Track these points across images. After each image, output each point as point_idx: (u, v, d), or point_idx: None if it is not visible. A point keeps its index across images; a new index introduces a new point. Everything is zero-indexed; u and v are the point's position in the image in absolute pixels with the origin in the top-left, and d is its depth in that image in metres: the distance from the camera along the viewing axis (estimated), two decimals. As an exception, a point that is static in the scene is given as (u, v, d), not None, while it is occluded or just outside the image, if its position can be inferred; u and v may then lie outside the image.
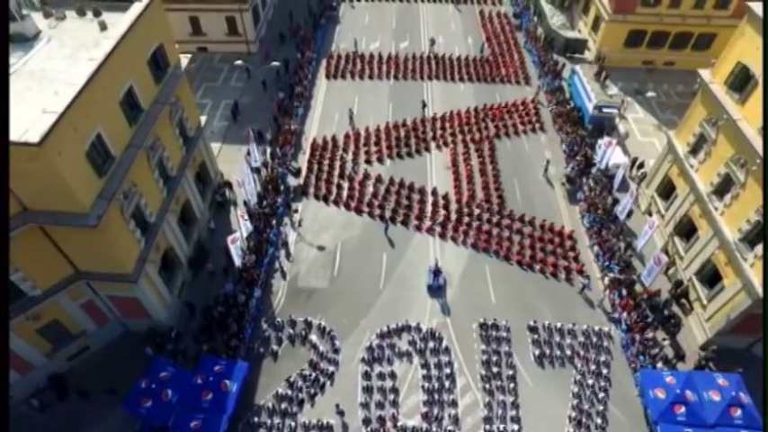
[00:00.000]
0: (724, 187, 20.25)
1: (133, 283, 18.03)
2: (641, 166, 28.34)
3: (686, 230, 23.00)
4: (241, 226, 22.01)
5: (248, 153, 25.48)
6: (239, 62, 26.50)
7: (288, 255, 24.19)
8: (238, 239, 20.74)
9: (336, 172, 27.60)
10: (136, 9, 18.11)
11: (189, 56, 21.62)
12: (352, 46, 37.15)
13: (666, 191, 24.80)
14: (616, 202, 26.11)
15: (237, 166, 28.11)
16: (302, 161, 28.51)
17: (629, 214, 24.46)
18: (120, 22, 17.61)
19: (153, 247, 19.13)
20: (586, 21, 38.04)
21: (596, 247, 24.41)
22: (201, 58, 36.31)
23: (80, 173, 15.21)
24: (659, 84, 35.14)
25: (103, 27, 17.93)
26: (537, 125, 31.02)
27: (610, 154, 25.95)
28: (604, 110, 29.26)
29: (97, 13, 18.74)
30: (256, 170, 26.47)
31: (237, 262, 21.28)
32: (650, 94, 29.14)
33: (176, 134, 21.15)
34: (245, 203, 24.58)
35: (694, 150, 22.46)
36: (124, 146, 17.34)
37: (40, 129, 13.47)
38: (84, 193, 15.31)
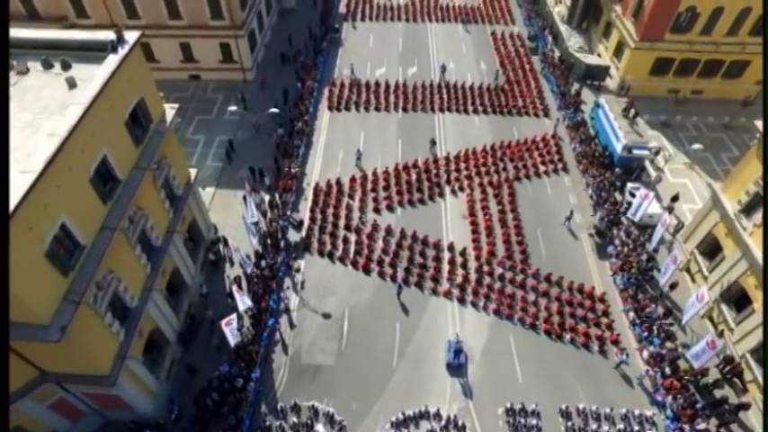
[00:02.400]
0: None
1: (110, 386, 15.58)
2: (671, 210, 25.86)
3: (737, 299, 20.62)
4: (237, 301, 19.52)
5: (243, 219, 22.48)
6: (233, 108, 23.53)
7: (290, 323, 21.71)
8: (234, 321, 18.26)
9: (342, 222, 25.02)
10: (111, 62, 15.45)
11: (175, 107, 18.92)
12: (355, 72, 34.48)
13: (710, 249, 22.35)
14: (651, 258, 23.88)
15: (233, 215, 25.67)
16: (304, 209, 25.88)
17: (674, 287, 22.08)
18: (92, 78, 14.94)
19: (135, 337, 16.58)
20: (607, 45, 35.56)
21: (632, 313, 22.00)
22: (194, 86, 33.62)
23: (38, 277, 12.53)
24: (687, 115, 32.77)
25: (72, 85, 15.22)
26: (559, 165, 28.54)
27: (646, 207, 23.62)
28: (635, 151, 26.82)
29: (66, 66, 16.00)
30: (254, 223, 24.08)
31: (233, 343, 18.80)
32: (696, 146, 25.84)
33: (162, 197, 18.50)
34: (241, 265, 21.82)
35: (748, 210, 19.98)
36: (96, 229, 14.69)
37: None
38: (41, 301, 12.62)
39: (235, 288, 19.55)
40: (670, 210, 25.46)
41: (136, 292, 16.81)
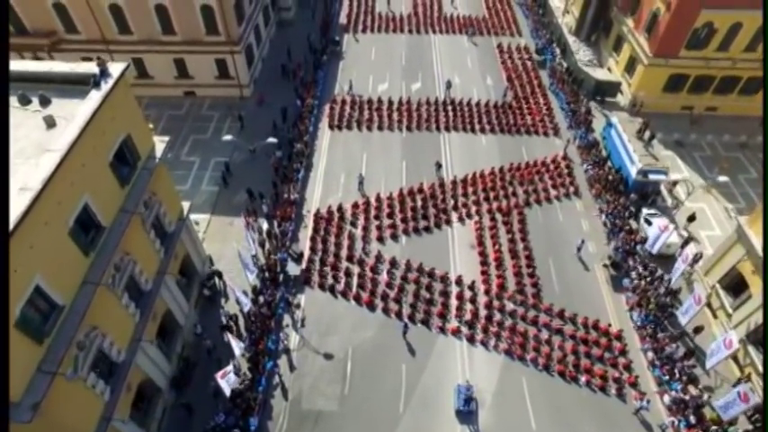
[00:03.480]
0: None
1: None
2: (689, 240, 24.67)
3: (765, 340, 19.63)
4: (234, 346, 18.32)
5: (240, 255, 20.92)
6: (228, 137, 22.14)
7: (290, 365, 20.41)
8: (230, 371, 17.04)
9: (344, 253, 23.75)
10: (94, 99, 14.17)
11: (166, 139, 17.64)
12: (357, 87, 33.09)
13: (735, 285, 21.12)
14: (670, 292, 22.69)
15: (229, 244, 24.37)
16: (304, 238, 24.55)
17: (698, 330, 20.79)
18: (73, 115, 13.70)
19: (122, 393, 15.38)
20: (618, 59, 34.28)
21: (650, 353, 20.86)
22: (189, 103, 32.33)
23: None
24: (702, 134, 31.51)
25: (51, 124, 13.90)
26: (571, 189, 27.20)
27: (665, 240, 22.48)
28: (651, 176, 25.57)
29: (45, 102, 14.68)
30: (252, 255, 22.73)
31: (228, 392, 17.58)
32: (722, 179, 24.41)
33: (151, 238, 17.24)
34: (238, 302, 20.45)
35: (777, 248, 19.01)
36: (77, 285, 13.39)
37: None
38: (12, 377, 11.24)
39: (230, 337, 18.36)
40: (687, 241, 24.26)
41: (123, 344, 15.53)
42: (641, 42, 31.13)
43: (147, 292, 17.07)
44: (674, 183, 26.63)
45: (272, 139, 22.14)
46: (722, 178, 24.22)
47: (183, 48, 29.91)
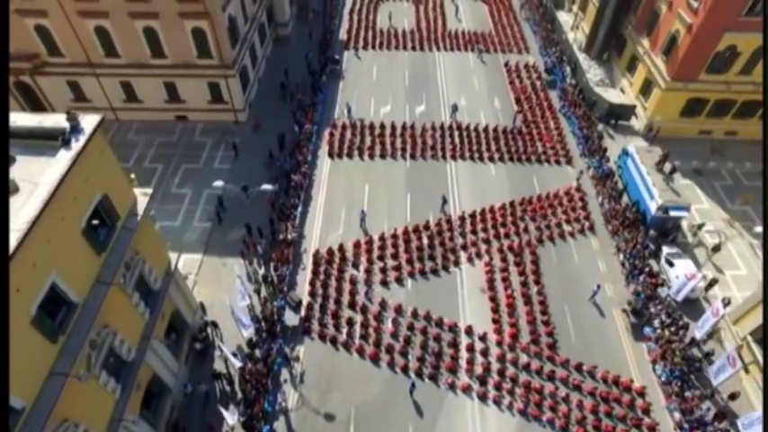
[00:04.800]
0: None
1: None
2: (712, 284, 22.93)
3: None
4: (226, 417, 16.76)
5: (232, 311, 19.36)
6: (219, 183, 20.56)
7: (288, 428, 18.63)
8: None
9: (346, 299, 22.16)
10: (63, 160, 12.39)
11: (149, 192, 15.94)
12: (358, 111, 31.38)
13: None
14: (693, 341, 21.19)
15: (223, 287, 22.77)
16: (302, 281, 22.86)
17: (734, 397, 19.03)
18: (40, 178, 12.04)
19: (98, 481, 13.94)
20: (632, 81, 32.62)
21: (678, 414, 19.41)
22: (180, 128, 30.60)
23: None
24: (722, 162, 29.98)
25: (14, 189, 12.24)
26: (585, 224, 25.55)
27: (691, 287, 20.95)
28: (672, 212, 23.96)
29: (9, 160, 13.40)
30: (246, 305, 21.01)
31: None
32: (758, 229, 21.59)
33: (134, 301, 15.65)
34: (234, 357, 18.97)
35: (817, 306, 17.56)
36: (42, 379, 11.67)
37: None
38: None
39: (221, 409, 16.77)
40: (711, 283, 22.57)
41: (101, 427, 14.13)
42: (658, 64, 29.55)
43: (131, 362, 15.51)
44: (700, 226, 24.89)
45: (267, 186, 20.50)
46: (758, 230, 21.33)
47: (173, 71, 28.20)
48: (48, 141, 13.14)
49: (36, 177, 12.29)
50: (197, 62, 27.90)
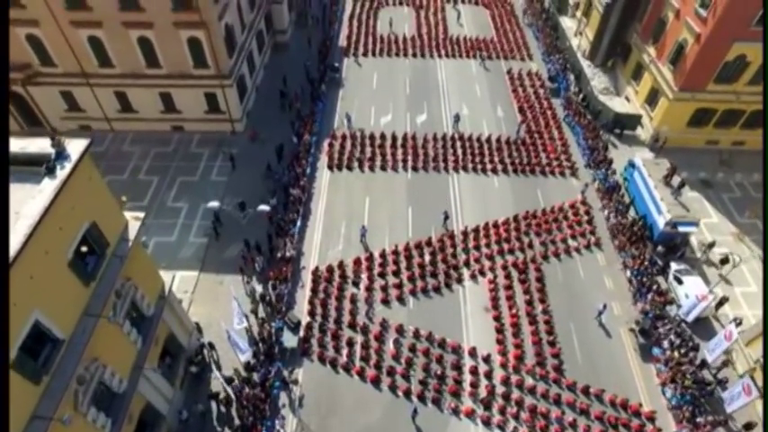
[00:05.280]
0: None
1: None
2: (722, 302, 22.43)
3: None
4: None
5: (228, 336, 18.49)
6: (214, 204, 19.86)
7: (286, 455, 18.48)
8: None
9: (346, 318, 21.50)
10: (48, 190, 11.60)
11: (141, 216, 15.34)
12: (358, 120, 30.65)
13: (782, 364, 19.30)
14: (704, 363, 20.51)
15: (220, 305, 22.03)
16: (301, 298, 22.19)
17: (750, 427, 18.25)
18: (23, 208, 11.23)
19: None
20: (637, 89, 31.99)
21: (689, 440, 18.98)
22: (177, 139, 29.92)
23: None
24: (730, 173, 29.34)
25: (-4, 222, 11.95)
26: (591, 239, 24.88)
27: (702, 309, 20.38)
28: (681, 228, 23.37)
29: (-8, 189, 12.76)
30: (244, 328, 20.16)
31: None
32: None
33: (125, 331, 14.99)
34: (228, 382, 18.47)
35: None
36: (22, 426, 10.96)
37: None
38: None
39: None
40: (721, 301, 21.91)
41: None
42: (665, 74, 28.85)
43: (122, 393, 14.92)
44: (711, 245, 24.24)
45: (264, 207, 19.85)
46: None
47: (169, 81, 27.50)
48: (32, 167, 12.64)
49: (19, 206, 11.75)
50: (193, 72, 27.19)
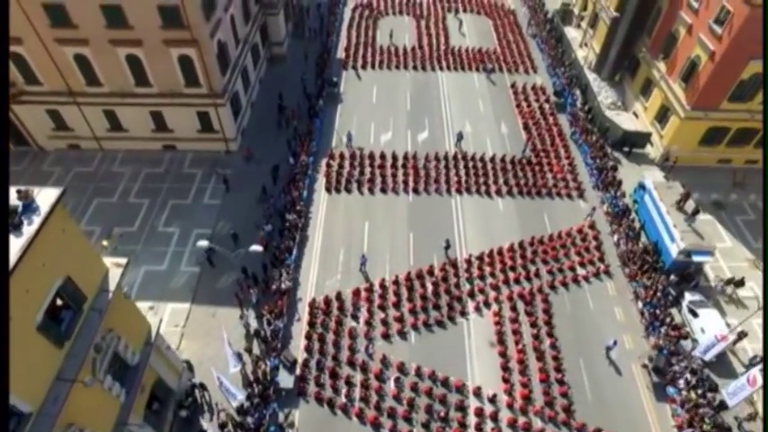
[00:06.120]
0: None
1: None
2: (741, 337, 20.99)
3: None
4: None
5: (220, 383, 17.58)
6: (204, 243, 18.65)
7: (280, 508, 17.44)
8: None
9: (344, 355, 20.46)
10: (14, 248, 10.40)
11: (123, 263, 14.19)
12: (357, 138, 29.52)
13: (804, 408, 18.32)
14: (723, 405, 19.27)
15: (213, 341, 20.97)
16: (297, 332, 21.08)
17: None
18: None
19: None
20: (646, 105, 30.85)
21: (708, 489, 17.97)
22: (169, 158, 28.77)
23: None
24: (743, 195, 28.28)
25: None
26: (600, 266, 23.82)
27: (721, 349, 19.33)
28: (695, 257, 22.29)
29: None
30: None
31: None
32: None
33: (107, 385, 13.85)
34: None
35: None
36: None
37: None
38: None
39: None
40: (740, 336, 20.62)
41: None
42: (676, 91, 27.71)
43: (101, 455, 14.00)
44: (729, 281, 23.01)
45: (256, 247, 18.75)
46: None
47: (160, 100, 26.36)
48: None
49: (-15, 264, 10.79)
50: (185, 91, 26.04)
